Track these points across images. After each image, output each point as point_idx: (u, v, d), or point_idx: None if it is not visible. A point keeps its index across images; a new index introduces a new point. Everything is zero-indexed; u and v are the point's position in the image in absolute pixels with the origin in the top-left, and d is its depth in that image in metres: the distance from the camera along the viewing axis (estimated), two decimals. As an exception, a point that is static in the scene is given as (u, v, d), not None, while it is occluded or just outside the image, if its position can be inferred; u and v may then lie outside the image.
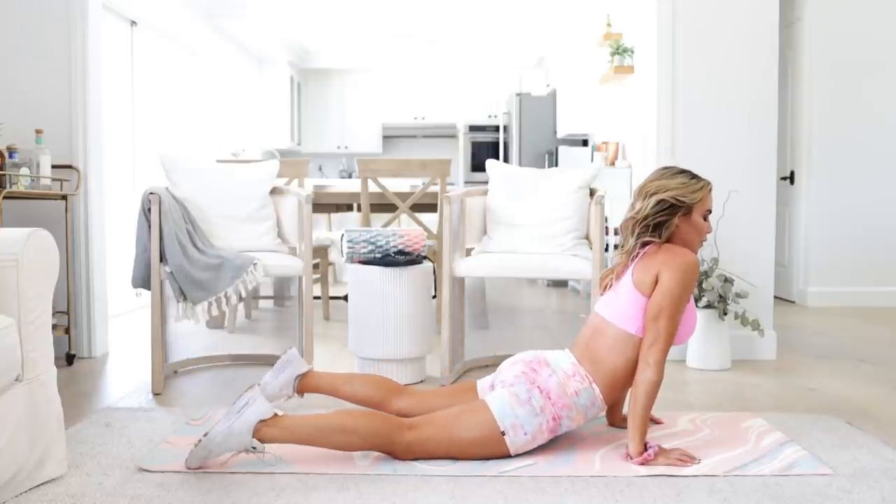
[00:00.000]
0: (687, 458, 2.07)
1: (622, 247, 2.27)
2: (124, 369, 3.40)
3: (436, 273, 4.32)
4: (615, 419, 2.41)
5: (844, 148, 5.40)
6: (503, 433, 2.05)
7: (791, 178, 5.60)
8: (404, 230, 3.15)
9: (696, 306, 3.24)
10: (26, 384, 1.85)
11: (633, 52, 5.50)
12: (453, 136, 9.55)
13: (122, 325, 4.50)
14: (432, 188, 4.26)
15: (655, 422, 2.43)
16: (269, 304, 5.14)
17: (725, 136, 3.49)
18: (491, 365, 3.29)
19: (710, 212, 2.25)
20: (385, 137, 9.59)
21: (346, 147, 9.55)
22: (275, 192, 3.33)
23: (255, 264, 3.04)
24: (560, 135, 7.25)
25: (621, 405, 2.40)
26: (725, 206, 3.27)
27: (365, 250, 3.08)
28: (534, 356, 2.19)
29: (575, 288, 6.11)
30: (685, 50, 3.47)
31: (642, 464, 2.05)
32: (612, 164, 5.89)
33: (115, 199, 4.96)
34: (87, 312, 3.59)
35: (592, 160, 6.44)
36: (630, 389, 2.14)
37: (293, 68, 8.93)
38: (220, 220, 3.19)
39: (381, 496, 1.86)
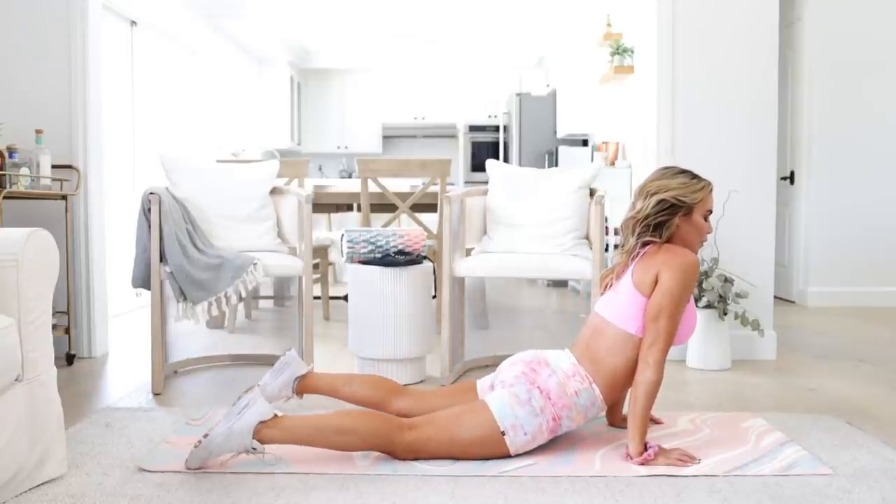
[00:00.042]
0: (687, 458, 2.07)
1: (622, 246, 2.27)
2: (124, 369, 3.40)
3: (436, 273, 4.32)
4: (615, 419, 2.41)
5: (844, 148, 5.40)
6: (503, 433, 2.05)
7: (791, 178, 5.60)
8: (404, 230, 3.15)
9: (696, 306, 3.24)
10: (26, 384, 1.85)
11: (633, 52, 5.50)
12: (453, 136, 9.55)
13: (122, 325, 4.50)
14: (432, 188, 4.26)
15: (655, 422, 2.43)
16: (269, 304, 5.14)
17: (725, 136, 3.49)
18: (491, 365, 3.29)
19: (710, 212, 2.25)
20: (385, 137, 9.59)
21: (346, 147, 9.55)
22: (275, 192, 3.33)
23: (255, 264, 3.04)
24: (560, 135, 7.25)
25: (621, 405, 2.40)
26: (725, 206, 3.27)
27: (365, 250, 3.08)
28: (534, 356, 2.19)
29: (575, 288, 6.11)
30: (685, 50, 3.47)
31: (642, 464, 2.05)
32: (612, 164, 5.89)
33: (115, 199, 4.96)
34: (87, 312, 3.59)
35: (592, 160, 6.44)
36: (630, 389, 2.14)
37: (293, 68, 8.93)
38: (220, 220, 3.19)
39: (381, 496, 1.86)
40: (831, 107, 5.38)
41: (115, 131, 5.14)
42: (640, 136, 4.97)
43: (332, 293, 5.16)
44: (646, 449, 2.07)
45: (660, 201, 2.17)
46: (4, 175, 3.11)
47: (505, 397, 2.08)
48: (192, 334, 3.88)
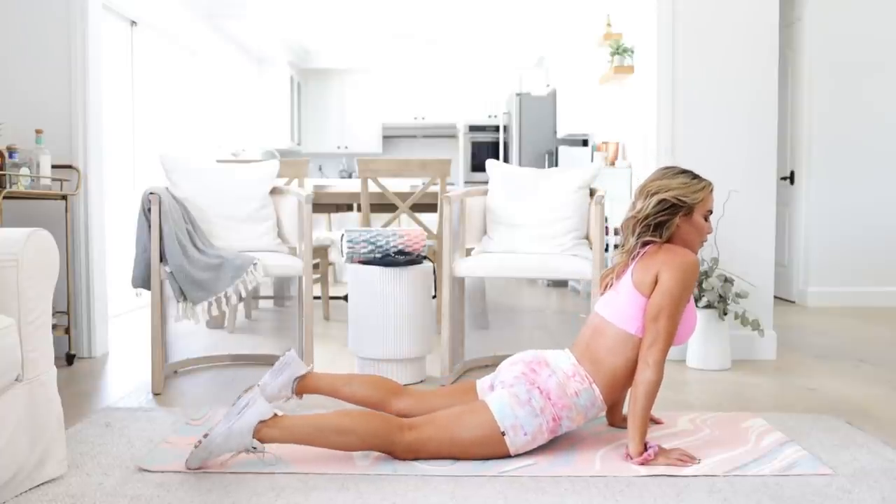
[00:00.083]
0: (687, 458, 2.07)
1: (622, 246, 2.27)
2: (124, 369, 3.40)
3: (436, 273, 4.32)
4: (615, 419, 2.41)
5: (844, 148, 5.40)
6: (503, 434, 2.05)
7: (791, 178, 5.60)
8: (404, 230, 3.15)
9: (696, 306, 3.24)
10: (26, 384, 1.85)
11: (633, 52, 5.50)
12: (453, 136, 9.55)
13: (122, 325, 4.50)
14: (432, 188, 4.26)
15: (655, 422, 2.43)
16: (269, 304, 5.14)
17: (725, 136, 3.49)
18: (491, 365, 3.29)
19: (710, 212, 2.25)
20: (385, 137, 9.59)
21: (346, 147, 9.55)
22: (275, 192, 3.33)
23: (255, 264, 3.04)
24: (560, 135, 7.25)
25: (621, 405, 2.40)
26: (725, 206, 3.27)
27: (365, 250, 3.08)
28: (534, 356, 2.19)
29: (575, 288, 6.11)
30: (685, 50, 3.47)
31: (642, 464, 2.05)
32: (612, 164, 5.89)
33: (115, 199, 4.96)
34: (87, 312, 3.59)
35: (592, 160, 6.44)
36: (630, 389, 2.14)
37: (293, 68, 8.93)
38: (220, 220, 3.19)
39: (381, 496, 1.86)
40: (831, 107, 5.38)
41: (115, 131, 5.14)
42: (640, 136, 4.97)
43: (332, 293, 5.16)
44: (646, 449, 2.07)
45: (660, 201, 2.17)
46: (4, 175, 3.11)
47: (505, 397, 2.08)
48: (192, 334, 3.88)
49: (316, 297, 4.94)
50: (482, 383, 2.28)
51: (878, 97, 5.40)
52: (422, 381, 3.14)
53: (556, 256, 3.10)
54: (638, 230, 2.20)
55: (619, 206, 4.38)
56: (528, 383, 2.10)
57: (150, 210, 2.93)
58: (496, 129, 8.66)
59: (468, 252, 3.32)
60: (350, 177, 9.45)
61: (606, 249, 5.04)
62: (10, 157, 3.21)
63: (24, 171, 3.21)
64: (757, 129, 3.49)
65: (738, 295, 3.25)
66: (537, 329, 4.44)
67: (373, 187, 4.21)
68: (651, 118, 3.57)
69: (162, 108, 5.96)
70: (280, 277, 4.37)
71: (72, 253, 3.52)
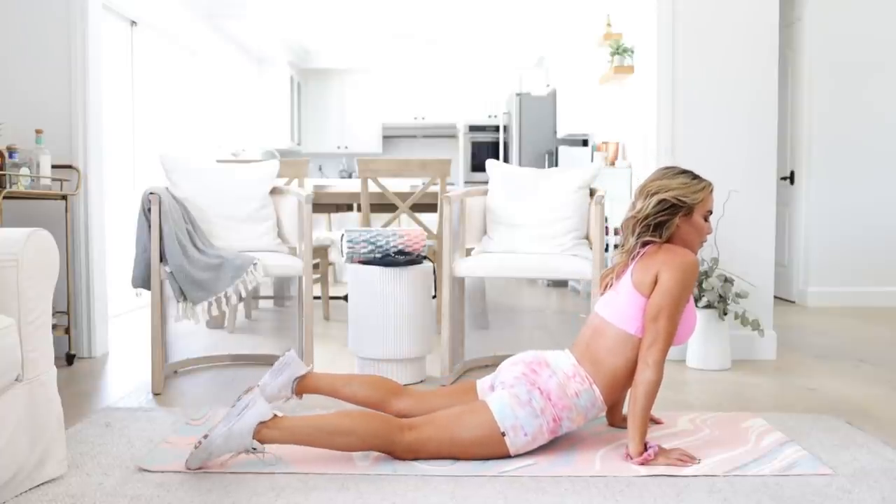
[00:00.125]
0: (687, 458, 2.07)
1: (622, 246, 2.27)
2: (124, 369, 3.40)
3: (436, 273, 4.32)
4: (615, 419, 2.41)
5: (844, 148, 5.40)
6: (503, 434, 2.05)
7: (791, 178, 5.60)
8: (404, 230, 3.15)
9: (696, 306, 3.24)
10: (26, 384, 1.85)
11: (633, 52, 5.50)
12: (453, 136, 9.55)
13: (122, 325, 4.50)
14: (432, 188, 4.26)
15: (655, 422, 2.43)
16: (269, 304, 5.14)
17: (725, 136, 3.49)
18: (491, 365, 3.29)
19: (710, 212, 2.25)
20: (385, 137, 9.59)
21: (346, 147, 9.55)
22: (275, 192, 3.33)
23: (255, 264, 3.04)
24: (560, 135, 7.25)
25: (621, 405, 2.40)
26: (725, 206, 3.27)
27: (365, 250, 3.08)
28: (534, 357, 2.19)
29: (575, 288, 6.11)
30: (685, 50, 3.47)
31: (642, 464, 2.05)
32: (612, 164, 5.89)
33: (115, 199, 4.96)
34: (87, 312, 3.59)
35: (592, 160, 6.44)
36: (630, 390, 2.14)
37: (293, 68, 8.93)
38: (220, 220, 3.19)
39: (381, 496, 1.86)
40: (831, 107, 5.38)
41: (115, 131, 5.14)
42: (640, 136, 4.97)
43: (332, 293, 5.16)
44: (646, 449, 2.07)
45: (660, 201, 2.17)
46: (4, 175, 3.11)
47: (505, 398, 2.08)
48: (192, 334, 3.88)
49: (316, 297, 4.94)
50: (482, 383, 2.28)
51: (878, 97, 5.40)
52: (422, 381, 3.14)
53: (556, 256, 3.10)
54: (638, 230, 2.20)
55: (619, 206, 4.38)
56: (529, 384, 2.10)
57: (150, 210, 2.93)
58: (496, 129, 8.66)
59: (468, 252, 3.32)
60: (350, 177, 9.45)
61: (606, 249, 5.04)
62: (10, 157, 3.21)
63: (24, 171, 3.21)
64: (757, 129, 3.49)
65: (738, 295, 3.25)
66: (537, 329, 4.44)
67: (373, 187, 4.21)
68: (651, 118, 3.57)
69: (162, 108, 5.96)
70: (280, 277, 4.37)
71: (72, 253, 3.52)
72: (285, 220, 3.32)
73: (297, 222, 3.26)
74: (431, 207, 4.43)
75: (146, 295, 4.34)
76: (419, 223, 4.21)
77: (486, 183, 3.38)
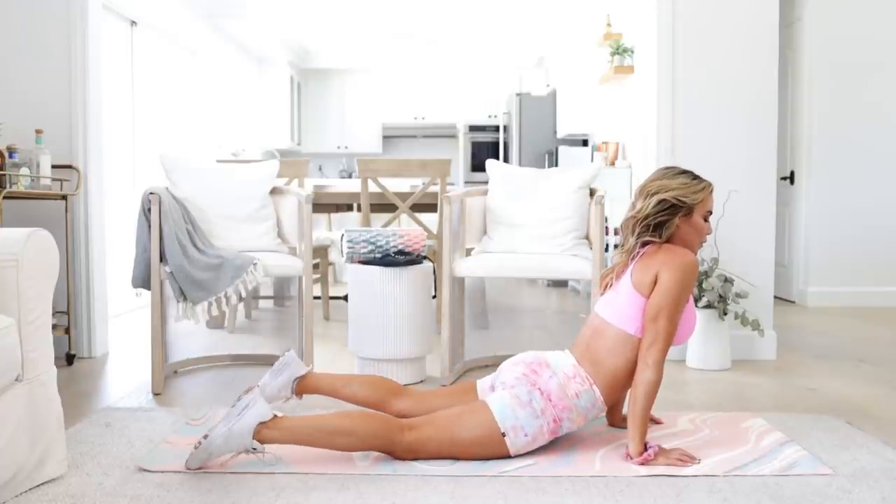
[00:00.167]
0: (687, 458, 2.07)
1: (622, 246, 2.27)
2: (124, 369, 3.40)
3: (436, 273, 4.32)
4: (615, 419, 2.41)
5: (844, 148, 5.40)
6: (503, 434, 2.05)
7: (791, 178, 5.60)
8: (404, 230, 3.15)
9: (696, 306, 3.24)
10: (26, 384, 1.85)
11: (633, 52, 5.50)
12: (453, 136, 9.55)
13: (122, 325, 4.50)
14: (432, 188, 4.26)
15: (655, 422, 2.43)
16: (269, 304, 5.14)
17: (725, 136, 3.49)
18: (491, 365, 3.29)
19: (710, 213, 2.25)
20: (385, 137, 9.59)
21: (346, 147, 9.55)
22: (275, 192, 3.33)
23: (255, 264, 3.04)
24: (560, 135, 7.25)
25: (621, 405, 2.40)
26: (725, 206, 3.27)
27: (365, 250, 3.08)
28: (534, 357, 2.19)
29: (575, 288, 6.11)
30: (685, 50, 3.47)
31: (642, 464, 2.05)
32: (612, 164, 5.89)
33: (115, 199, 4.96)
34: (87, 312, 3.59)
35: (592, 160, 6.44)
36: (630, 390, 2.14)
37: (293, 68, 8.93)
38: (220, 220, 3.19)
39: (381, 496, 1.86)
40: (831, 107, 5.38)
41: (115, 131, 5.14)
42: (640, 136, 4.97)
43: (332, 293, 5.16)
44: (646, 449, 2.07)
45: (660, 201, 2.17)
46: (4, 175, 3.11)
47: (506, 398, 2.08)
48: (192, 334, 3.88)
49: (316, 297, 4.94)
50: (483, 384, 2.28)
51: (878, 97, 5.40)
52: (422, 381, 3.14)
53: (556, 256, 3.10)
54: (637, 230, 2.20)
55: (619, 206, 4.38)
56: (529, 384, 2.10)
57: (150, 210, 2.93)
58: (496, 129, 8.66)
59: (468, 252, 3.32)
60: (350, 177, 9.45)
61: (606, 249, 5.04)
62: (10, 157, 3.21)
63: (24, 171, 3.21)
64: (757, 129, 3.49)
65: (738, 295, 3.25)
66: (537, 329, 4.44)
67: (373, 187, 4.21)
68: (651, 118, 3.57)
69: (162, 108, 5.96)
70: (280, 277, 4.37)
71: (72, 253, 3.52)
72: (285, 220, 3.32)
73: (297, 222, 3.26)
74: (431, 207, 4.43)
75: (146, 295, 4.34)
76: (419, 223, 4.21)
77: (486, 183, 3.38)
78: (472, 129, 8.86)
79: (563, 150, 7.03)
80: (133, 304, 5.02)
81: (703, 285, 3.26)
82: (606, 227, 5.11)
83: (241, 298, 3.04)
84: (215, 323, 4.21)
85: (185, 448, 2.11)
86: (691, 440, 2.28)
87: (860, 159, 5.40)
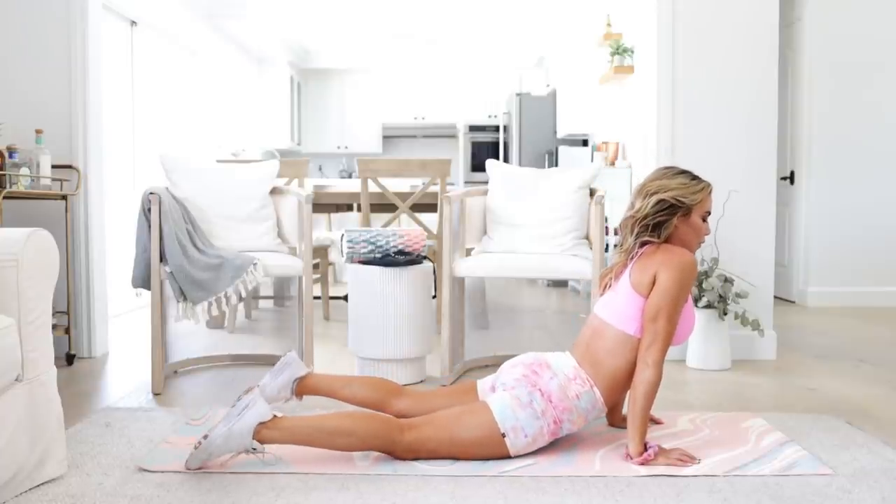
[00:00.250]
0: (687, 458, 2.07)
1: (621, 245, 2.27)
2: (124, 369, 3.40)
3: (436, 273, 4.32)
4: (615, 419, 2.41)
5: (844, 148, 5.40)
6: (503, 435, 2.05)
7: (791, 178, 5.60)
8: (404, 230, 3.15)
9: (696, 306, 3.24)
10: (26, 384, 1.85)
11: (633, 52, 5.50)
12: (453, 136, 9.55)
13: (122, 325, 4.50)
14: (432, 188, 4.26)
15: (655, 422, 2.43)
16: (269, 304, 5.14)
17: (725, 136, 3.49)
18: (491, 365, 3.29)
19: (709, 213, 2.25)
20: (385, 137, 9.59)
21: (346, 147, 9.55)
22: (275, 192, 3.33)
23: (255, 264, 3.04)
24: (560, 135, 7.25)
25: (621, 405, 2.40)
26: (725, 206, 3.27)
27: (365, 250, 3.08)
28: (535, 359, 2.19)
29: (575, 288, 6.11)
30: (685, 50, 3.47)
31: (642, 464, 2.05)
32: (612, 164, 5.89)
33: (115, 199, 4.96)
34: (87, 312, 3.59)
35: (592, 160, 6.44)
36: (629, 390, 2.14)
37: (293, 68, 8.93)
38: (220, 220, 3.19)
39: (381, 496, 1.86)
40: (831, 107, 5.38)
41: (115, 131, 5.14)
42: (640, 136, 4.97)
43: (332, 293, 5.16)
44: (646, 449, 2.07)
45: (659, 201, 2.17)
46: (4, 175, 3.11)
47: (506, 399, 2.08)
48: (192, 334, 3.88)
49: (316, 297, 4.94)
50: (483, 384, 2.28)
51: (878, 97, 5.40)
52: (422, 381, 3.14)
53: (556, 256, 3.10)
54: (636, 230, 2.20)
55: (619, 206, 4.37)
56: (530, 385, 2.10)
57: (150, 210, 2.93)
58: (496, 129, 8.66)
59: (468, 252, 3.32)
60: (350, 177, 9.45)
61: (606, 249, 5.04)
62: (10, 157, 3.21)
63: (24, 171, 3.21)
64: (757, 129, 3.49)
65: (738, 295, 3.25)
66: (537, 329, 4.44)
67: (373, 187, 4.21)
68: (651, 118, 3.57)
69: (162, 108, 5.96)
70: (280, 277, 4.37)
71: (72, 253, 3.52)
72: (285, 220, 3.32)
73: (297, 222, 3.26)
74: (431, 207, 4.43)
75: (146, 295, 4.35)
76: (419, 223, 4.21)
77: (486, 183, 3.38)
78: (472, 129, 8.86)
79: (563, 150, 7.03)
80: (133, 304, 5.02)
81: (703, 285, 3.26)
82: (606, 227, 5.11)
83: (241, 298, 3.04)
84: (215, 323, 4.21)
85: (185, 448, 2.11)
86: (691, 440, 2.28)
87: (860, 159, 5.40)
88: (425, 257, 3.21)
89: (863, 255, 5.36)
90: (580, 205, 3.16)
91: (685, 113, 3.48)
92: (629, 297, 2.16)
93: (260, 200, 3.25)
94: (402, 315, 3.03)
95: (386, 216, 4.48)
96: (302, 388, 2.34)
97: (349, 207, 5.03)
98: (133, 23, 5.47)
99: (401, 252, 3.08)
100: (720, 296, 3.24)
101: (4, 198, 3.13)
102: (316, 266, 4.72)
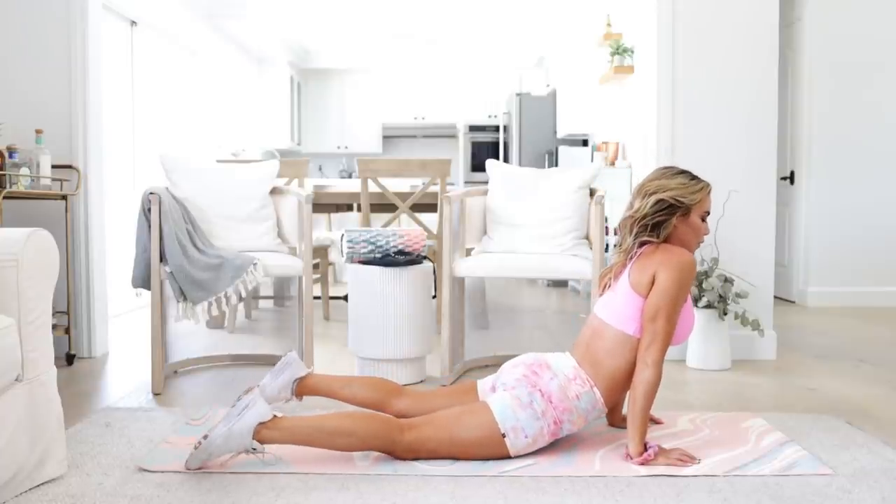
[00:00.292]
0: (687, 458, 2.07)
1: (620, 245, 2.27)
2: (124, 369, 3.40)
3: (436, 273, 4.32)
4: (615, 419, 2.41)
5: (844, 148, 5.40)
6: (504, 435, 2.05)
7: (791, 178, 5.60)
8: (404, 230, 3.15)
9: (696, 306, 3.24)
10: (26, 384, 1.85)
11: (633, 52, 5.50)
12: (453, 136, 9.55)
13: (122, 325, 4.50)
14: (432, 188, 4.26)
15: (655, 422, 2.43)
16: (269, 304, 5.14)
17: (725, 136, 3.49)
18: (491, 365, 3.29)
19: (708, 213, 2.25)
20: (385, 137, 9.59)
21: (346, 147, 9.55)
22: (275, 192, 3.33)
23: (255, 264, 3.04)
24: (560, 135, 7.25)
25: (621, 406, 2.40)
26: (725, 206, 3.27)
27: (365, 250, 3.08)
28: (535, 359, 2.19)
29: (575, 288, 6.11)
30: (685, 50, 3.47)
31: (642, 464, 2.05)
32: (612, 164, 5.89)
33: (115, 199, 4.96)
34: (87, 312, 3.59)
35: (592, 160, 6.44)
36: (629, 390, 2.14)
37: (293, 68, 8.93)
38: (220, 220, 3.19)
39: (381, 496, 1.86)
40: (831, 107, 5.38)
41: (115, 131, 5.14)
42: (640, 136, 4.97)
43: (332, 293, 5.16)
44: (646, 449, 2.07)
45: (658, 201, 2.17)
46: (4, 175, 3.11)
47: (507, 399, 2.08)
48: (192, 334, 3.88)
49: (316, 297, 4.94)
50: (483, 384, 2.28)
51: (878, 97, 5.40)
52: (422, 381, 3.14)
53: (556, 256, 3.10)
54: (635, 230, 2.20)
55: (619, 206, 4.36)
56: (530, 386, 2.10)
57: (150, 210, 2.93)
58: (496, 129, 8.66)
59: (468, 252, 3.32)
60: (350, 177, 9.45)
61: (606, 249, 5.04)
62: (10, 157, 3.21)
63: (24, 171, 3.21)
64: (757, 129, 3.49)
65: (738, 295, 3.25)
66: (537, 329, 4.44)
67: (373, 187, 4.21)
68: (651, 118, 3.57)
69: (162, 108, 5.96)
70: (280, 277, 4.37)
71: (72, 253, 3.52)
72: (285, 220, 3.32)
73: (297, 222, 3.26)
74: (431, 207, 4.43)
75: (146, 295, 4.35)
76: (419, 223, 4.21)
77: (486, 183, 3.38)
78: (472, 129, 8.86)
79: (563, 150, 7.03)
80: (133, 304, 5.02)
81: (703, 285, 3.26)
82: (606, 227, 5.11)
83: (241, 298, 3.04)
84: (215, 323, 4.21)
85: (185, 448, 2.11)
86: (691, 440, 2.28)
87: (860, 159, 5.40)
88: (425, 257, 3.21)
89: (863, 255, 5.36)
90: (580, 205, 3.16)
91: (685, 113, 3.48)
92: (628, 297, 2.16)
93: (260, 200, 3.25)
94: (402, 315, 3.03)
95: (386, 216, 4.48)
96: (302, 388, 2.34)
97: (349, 207, 5.03)
98: (133, 23, 5.47)
99: (401, 252, 3.08)
100: (720, 296, 3.24)
101: (4, 198, 3.13)
102: (316, 266, 4.72)
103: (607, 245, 5.11)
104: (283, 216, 3.32)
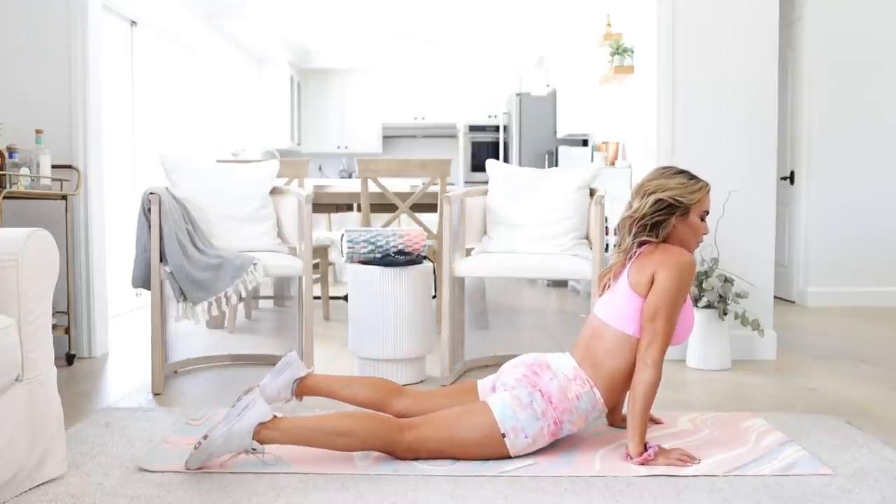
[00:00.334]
0: (687, 458, 2.07)
1: (619, 245, 2.26)
2: (124, 369, 3.40)
3: (436, 273, 4.32)
4: (615, 419, 2.41)
5: (844, 148, 5.40)
6: (504, 435, 2.05)
7: (791, 178, 5.60)
8: (404, 230, 3.15)
9: (696, 306, 3.24)
10: (26, 384, 1.85)
11: (633, 52, 5.50)
12: (453, 136, 9.55)
13: (122, 325, 4.50)
14: (432, 188, 4.26)
15: (655, 422, 2.43)
16: (269, 304, 5.14)
17: (725, 136, 3.49)
18: (491, 365, 3.29)
19: (707, 213, 2.25)
20: (385, 137, 9.59)
21: (346, 147, 9.55)
22: (275, 192, 3.33)
23: (255, 264, 3.04)
24: (560, 135, 7.25)
25: (621, 406, 2.40)
26: (725, 206, 3.27)
27: (365, 250, 3.08)
28: (535, 359, 2.19)
29: (575, 288, 6.11)
30: (685, 50, 3.47)
31: (642, 464, 2.05)
32: (612, 164, 5.89)
33: (115, 199, 4.96)
34: (87, 312, 3.59)
35: (592, 160, 6.44)
36: (629, 390, 2.14)
37: (293, 68, 8.93)
38: (220, 220, 3.19)
39: (381, 496, 1.86)
40: (831, 107, 5.38)
41: (115, 131, 5.14)
42: (640, 136, 4.97)
43: (332, 293, 5.16)
44: (646, 449, 2.07)
45: (657, 201, 2.17)
46: (4, 175, 3.11)
47: (507, 399, 2.08)
48: (192, 334, 3.88)
49: (316, 297, 4.94)
50: (484, 384, 2.27)
51: (878, 97, 5.40)
52: (422, 381, 3.14)
53: (556, 256, 3.10)
54: (634, 230, 2.20)
55: (619, 206, 4.36)
56: (530, 386, 2.10)
57: (150, 210, 2.93)
58: (496, 129, 8.66)
59: (468, 252, 3.32)
60: (350, 177, 9.45)
61: (606, 249, 5.04)
62: (10, 157, 3.21)
63: (24, 171, 3.21)
64: (757, 129, 3.49)
65: (738, 295, 3.25)
66: (537, 329, 4.44)
67: (373, 187, 4.21)
68: (651, 118, 3.57)
69: (162, 108, 5.96)
70: (280, 277, 4.37)
71: (72, 253, 3.52)
72: (285, 220, 3.32)
73: (297, 222, 3.26)
74: (431, 207, 4.43)
75: (146, 295, 4.35)
76: (419, 223, 4.21)
77: (486, 183, 3.38)
78: (472, 129, 8.86)
79: (563, 150, 7.03)
80: (133, 304, 5.02)
81: (703, 285, 3.26)
82: (606, 227, 5.11)
83: (241, 298, 3.04)
84: (215, 323, 4.21)
85: (185, 448, 2.11)
86: (691, 440, 2.29)
87: (860, 159, 5.40)
88: (425, 257, 3.21)
89: (863, 255, 5.36)
90: (580, 205, 3.16)
91: (685, 113, 3.48)
92: (628, 298, 2.16)
93: (260, 200, 3.25)
94: (402, 315, 3.03)
95: (386, 216, 4.48)
96: (302, 388, 2.34)
97: (349, 207, 5.03)
98: (133, 23, 5.47)
99: (401, 252, 3.08)
100: (720, 296, 3.24)
101: (4, 198, 3.13)
102: (316, 266, 4.72)
103: (607, 245, 5.11)
104: (283, 216, 3.32)
